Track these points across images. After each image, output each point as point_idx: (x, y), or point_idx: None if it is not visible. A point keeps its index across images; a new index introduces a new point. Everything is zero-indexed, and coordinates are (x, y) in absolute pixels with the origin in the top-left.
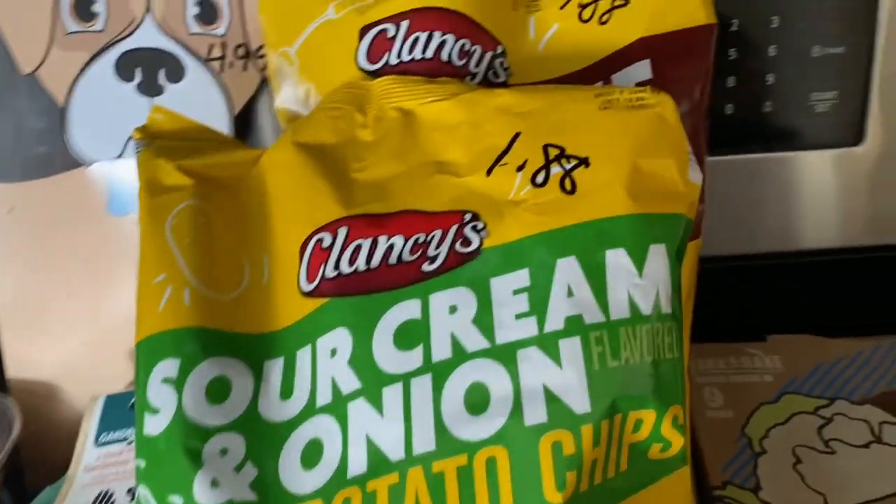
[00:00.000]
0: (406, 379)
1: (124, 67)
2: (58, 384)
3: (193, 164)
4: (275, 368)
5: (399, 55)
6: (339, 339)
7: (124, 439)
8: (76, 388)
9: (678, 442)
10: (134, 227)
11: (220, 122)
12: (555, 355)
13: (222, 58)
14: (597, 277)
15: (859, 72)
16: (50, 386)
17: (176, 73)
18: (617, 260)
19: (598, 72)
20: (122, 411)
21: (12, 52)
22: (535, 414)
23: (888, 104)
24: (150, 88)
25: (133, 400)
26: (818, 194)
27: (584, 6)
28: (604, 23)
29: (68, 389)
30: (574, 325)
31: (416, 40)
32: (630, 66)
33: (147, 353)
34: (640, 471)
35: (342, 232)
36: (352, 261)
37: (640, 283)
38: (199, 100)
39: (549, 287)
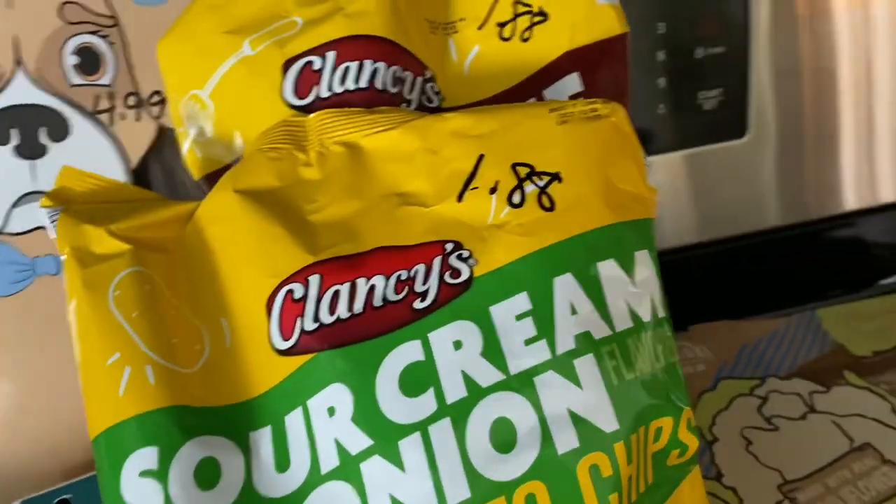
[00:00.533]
0: (423, 427)
1: None
2: None
3: (125, 227)
4: (263, 439)
5: (330, 87)
6: (336, 396)
7: None
8: None
9: (693, 444)
10: (23, 309)
11: (116, 178)
12: (572, 376)
13: (111, 109)
14: (595, 291)
15: (738, 69)
16: None
17: (59, 131)
18: (609, 271)
19: (529, 88)
20: None
21: None
22: (567, 440)
23: (764, 98)
24: (31, 150)
25: (54, 500)
26: (712, 186)
27: (502, 25)
28: (525, 40)
29: None
30: (585, 342)
31: (346, 70)
32: (560, 80)
33: (113, 445)
34: (663, 480)
35: (314, 280)
36: (332, 309)
37: (634, 291)
38: (90, 157)
39: (551, 307)
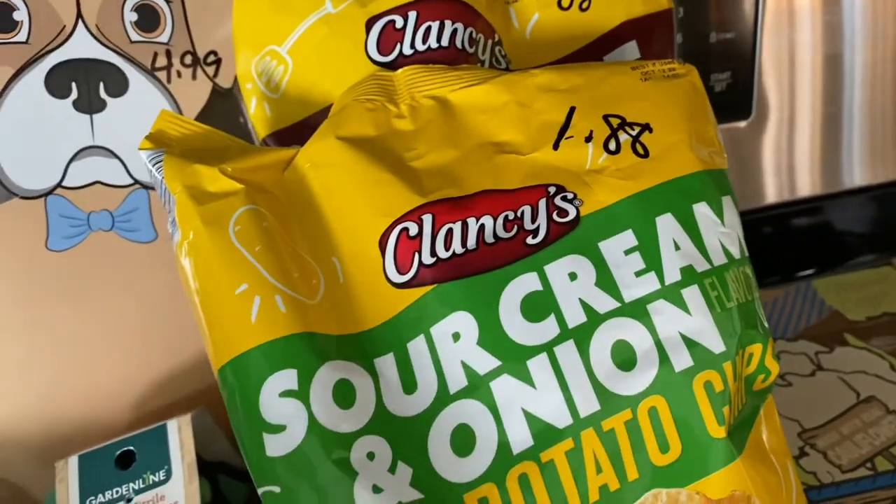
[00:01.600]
0: (548, 348)
1: (57, 82)
2: None
3: (236, 168)
4: (387, 365)
5: (413, 45)
6: (460, 323)
7: (120, 500)
8: (14, 448)
9: (775, 370)
10: (76, 265)
11: None
12: (681, 304)
13: (168, 67)
14: (692, 230)
15: (746, 54)
16: None
17: (118, 86)
18: (703, 212)
19: (589, 55)
20: (105, 470)
21: None
22: (682, 360)
23: (771, 82)
24: (90, 104)
25: (117, 452)
26: None
27: None
28: (584, 9)
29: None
30: (689, 274)
31: (428, 29)
32: (619, 47)
33: (248, 370)
34: (751, 402)
35: (427, 219)
36: (447, 245)
37: (724, 230)
38: (147, 113)
39: (656, 243)
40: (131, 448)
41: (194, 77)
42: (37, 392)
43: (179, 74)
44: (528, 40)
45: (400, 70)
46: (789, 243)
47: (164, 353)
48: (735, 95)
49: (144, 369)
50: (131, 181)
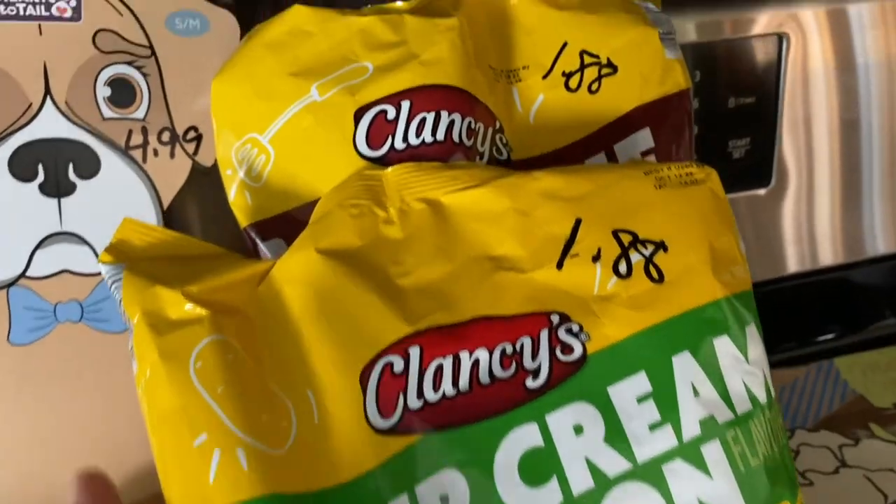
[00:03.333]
0: None
1: (22, 164)
2: None
3: (201, 290)
4: None
5: (405, 138)
6: (449, 483)
7: None
8: None
9: None
10: (41, 358)
11: (147, 220)
12: (701, 464)
13: (144, 145)
14: (713, 371)
15: (767, 119)
16: None
17: (88, 167)
18: (725, 349)
19: (598, 142)
20: None
21: None
22: None
23: (788, 148)
24: (58, 187)
25: None
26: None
27: (568, 75)
28: (593, 91)
29: None
30: (710, 427)
31: (423, 121)
32: (631, 134)
33: None
34: None
35: (415, 352)
36: (436, 385)
37: (749, 369)
38: (120, 195)
39: (672, 389)
40: None
41: (172, 155)
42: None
43: (156, 153)
44: (531, 125)
45: (390, 169)
46: (810, 313)
47: (136, 448)
48: (754, 162)
49: (115, 466)
50: None
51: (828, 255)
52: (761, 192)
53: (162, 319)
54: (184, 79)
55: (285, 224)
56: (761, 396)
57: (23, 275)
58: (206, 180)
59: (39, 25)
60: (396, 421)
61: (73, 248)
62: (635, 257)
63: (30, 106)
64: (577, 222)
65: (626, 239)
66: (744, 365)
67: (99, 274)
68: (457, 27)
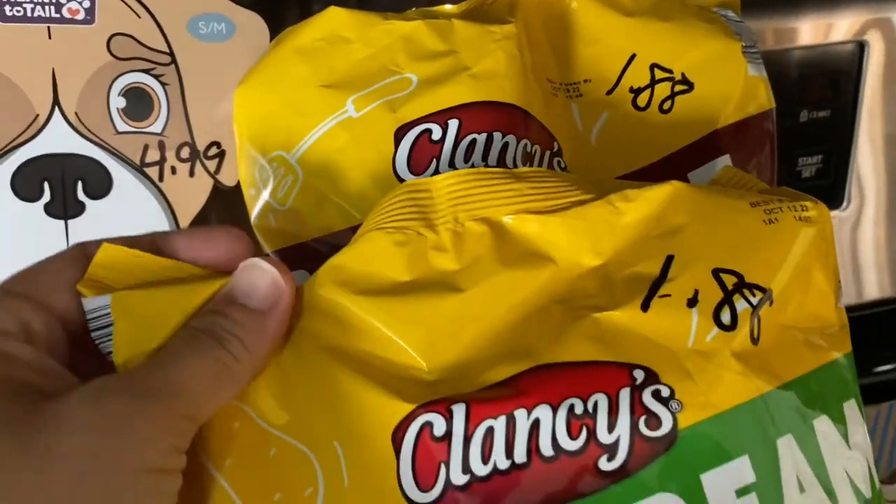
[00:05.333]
0: None
1: (26, 182)
2: None
3: None
4: None
5: (452, 163)
6: None
7: None
8: None
9: None
10: None
11: None
12: None
13: (161, 162)
14: (816, 459)
15: (843, 135)
16: None
17: (99, 186)
18: (825, 431)
19: (671, 169)
20: None
21: None
22: None
23: (865, 167)
24: (65, 208)
25: None
26: None
27: (636, 91)
28: (666, 111)
29: None
30: None
31: (472, 144)
32: (709, 161)
33: None
34: None
35: (459, 411)
36: (485, 455)
37: (850, 455)
38: (133, 217)
39: (778, 481)
40: None
41: (192, 173)
42: None
43: (174, 170)
44: (593, 146)
45: (440, 177)
46: (889, 343)
47: None
48: (826, 182)
49: None
50: None
51: None
52: (834, 214)
53: None
54: (206, 89)
55: (312, 253)
56: (865, 491)
57: None
58: (229, 201)
59: (48, 28)
60: (437, 497)
61: None
62: (741, 305)
63: (36, 117)
64: (669, 259)
65: (729, 281)
66: (844, 450)
67: None
68: (514, 35)
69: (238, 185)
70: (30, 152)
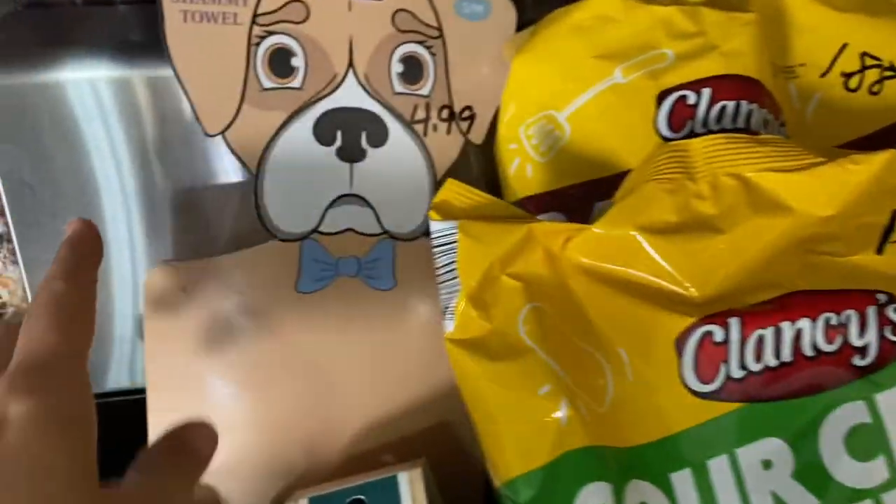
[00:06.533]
0: (875, 495)
1: (324, 129)
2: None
3: (518, 264)
4: (683, 482)
5: (705, 124)
6: (772, 450)
7: None
8: (239, 481)
9: None
10: (320, 305)
11: (422, 189)
12: None
13: (426, 120)
14: None
15: None
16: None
17: (378, 137)
18: None
19: (879, 142)
20: None
21: (196, 111)
22: None
23: None
24: (351, 153)
25: (348, 499)
26: None
27: (847, 75)
28: (875, 93)
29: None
30: None
31: (723, 109)
32: None
33: (556, 481)
34: None
35: (734, 323)
36: (758, 356)
37: None
38: (402, 166)
39: None
40: (362, 497)
41: (449, 132)
42: (267, 426)
43: (435, 128)
44: (808, 121)
45: (697, 139)
46: None
47: (386, 398)
48: None
49: (371, 413)
50: (380, 231)
51: None
52: None
53: (488, 290)
54: (464, 61)
55: (566, 198)
56: None
57: (315, 230)
58: (476, 157)
59: (349, 1)
60: (718, 387)
61: (358, 209)
62: None
63: (335, 76)
64: (894, 212)
65: None
66: None
67: (377, 235)
68: (755, 22)
69: (483, 143)
70: (329, 105)
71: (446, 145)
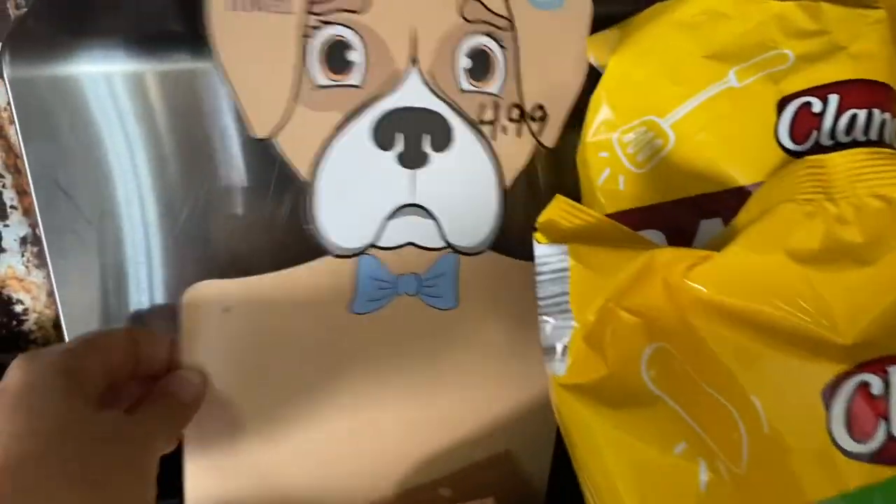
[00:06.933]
0: None
1: (384, 132)
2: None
3: (637, 303)
4: None
5: (833, 135)
6: None
7: None
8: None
9: None
10: (377, 328)
11: (488, 198)
12: None
13: (495, 121)
14: None
15: None
16: None
17: (442, 140)
18: None
19: None
20: None
21: (242, 110)
22: None
23: None
24: (413, 158)
25: None
26: None
27: None
28: None
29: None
30: None
31: (853, 119)
32: None
33: None
34: None
35: (895, 372)
36: None
37: None
38: (468, 172)
39: None
40: None
41: (519, 134)
42: (317, 459)
43: (505, 130)
44: None
45: (837, 154)
46: None
47: (445, 427)
48: None
49: (428, 444)
50: (443, 244)
51: None
52: None
53: (606, 328)
54: (537, 55)
55: (665, 215)
56: None
57: (372, 244)
58: (547, 162)
59: None
60: (877, 448)
61: (419, 220)
62: None
63: (396, 72)
64: None
65: None
66: None
67: (440, 249)
68: (885, 20)
69: (555, 148)
70: (389, 105)
71: (516, 149)
